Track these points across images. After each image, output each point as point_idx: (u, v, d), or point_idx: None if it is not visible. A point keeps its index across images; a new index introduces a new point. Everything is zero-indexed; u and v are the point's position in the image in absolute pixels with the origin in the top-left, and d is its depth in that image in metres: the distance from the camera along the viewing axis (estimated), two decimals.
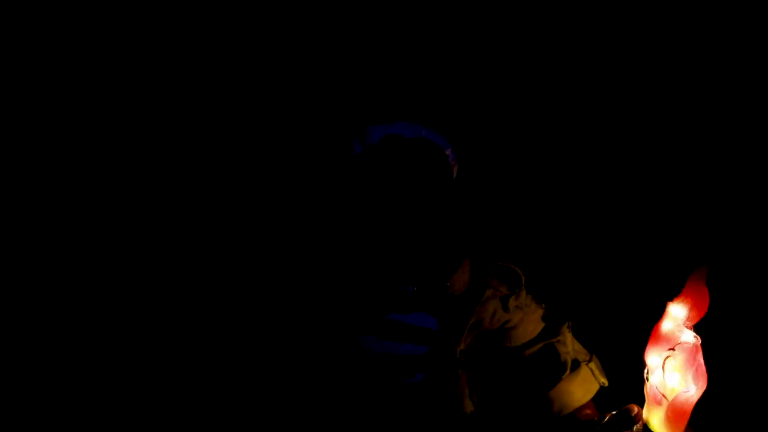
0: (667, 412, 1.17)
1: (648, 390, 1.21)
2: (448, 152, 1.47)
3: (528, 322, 1.55)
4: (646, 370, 1.22)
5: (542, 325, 1.56)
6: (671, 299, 1.21)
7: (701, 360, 1.14)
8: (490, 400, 1.54)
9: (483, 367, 1.55)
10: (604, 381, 1.50)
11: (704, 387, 1.14)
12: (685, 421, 1.17)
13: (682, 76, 1.81)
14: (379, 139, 1.43)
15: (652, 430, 1.22)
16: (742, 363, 1.67)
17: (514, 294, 1.54)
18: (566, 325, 1.53)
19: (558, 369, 1.49)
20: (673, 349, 1.17)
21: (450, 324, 1.48)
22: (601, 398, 1.50)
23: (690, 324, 1.19)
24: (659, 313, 1.22)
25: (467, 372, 1.52)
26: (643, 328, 1.23)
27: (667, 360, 1.18)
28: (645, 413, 1.23)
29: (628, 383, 1.33)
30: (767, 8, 1.72)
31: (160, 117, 1.82)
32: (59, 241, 1.69)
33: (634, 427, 1.26)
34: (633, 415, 1.26)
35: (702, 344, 1.16)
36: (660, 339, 1.21)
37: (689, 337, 1.17)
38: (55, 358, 1.52)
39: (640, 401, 1.25)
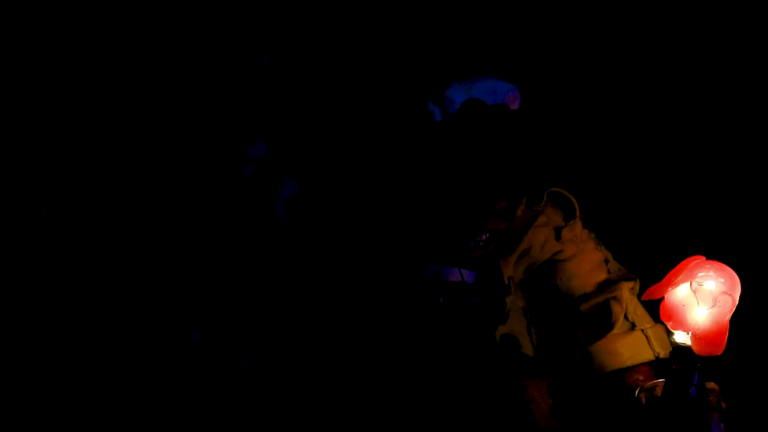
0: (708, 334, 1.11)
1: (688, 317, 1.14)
2: (512, 101, 1.43)
3: (582, 261, 1.49)
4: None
5: (602, 273, 1.48)
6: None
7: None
8: (546, 345, 1.48)
9: (536, 305, 1.50)
10: (660, 351, 1.39)
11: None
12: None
13: (683, 76, 1.82)
14: (459, 106, 1.41)
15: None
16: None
17: (569, 224, 1.48)
18: (629, 286, 1.44)
19: (605, 326, 1.42)
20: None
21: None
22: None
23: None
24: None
25: (523, 306, 1.48)
26: None
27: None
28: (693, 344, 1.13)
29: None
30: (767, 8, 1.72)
31: (159, 116, 1.82)
32: (59, 241, 1.69)
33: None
34: (710, 394, 1.15)
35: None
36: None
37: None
38: (55, 358, 1.51)
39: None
